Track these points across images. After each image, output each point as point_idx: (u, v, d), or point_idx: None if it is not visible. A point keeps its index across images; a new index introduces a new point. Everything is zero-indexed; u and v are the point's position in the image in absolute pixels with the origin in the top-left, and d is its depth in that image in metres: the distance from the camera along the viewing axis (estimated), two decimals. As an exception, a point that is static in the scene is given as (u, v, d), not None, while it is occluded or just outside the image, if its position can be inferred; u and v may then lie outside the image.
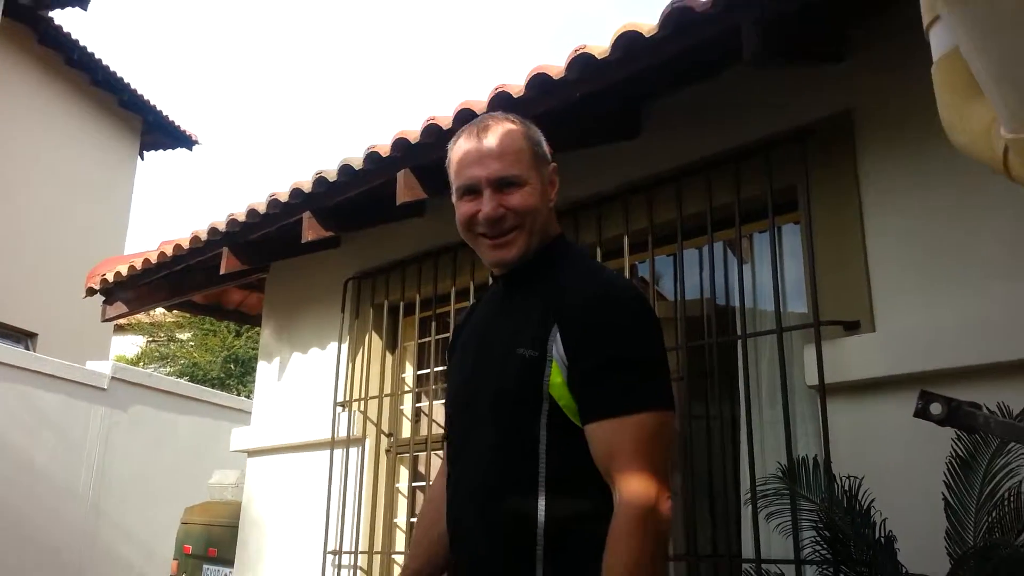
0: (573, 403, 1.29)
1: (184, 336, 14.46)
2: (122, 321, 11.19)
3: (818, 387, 2.22)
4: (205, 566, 5.36)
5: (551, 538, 1.26)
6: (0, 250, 8.78)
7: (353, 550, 3.54)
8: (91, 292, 4.63)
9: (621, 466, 1.22)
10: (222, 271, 3.78)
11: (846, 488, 1.77)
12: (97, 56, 9.75)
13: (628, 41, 2.27)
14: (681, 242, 2.67)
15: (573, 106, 2.51)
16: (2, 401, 6.11)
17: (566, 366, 1.29)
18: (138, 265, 4.20)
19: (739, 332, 2.53)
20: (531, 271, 1.44)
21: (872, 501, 1.77)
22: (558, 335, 1.30)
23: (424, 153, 2.91)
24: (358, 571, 3.52)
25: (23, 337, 8.90)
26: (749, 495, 2.14)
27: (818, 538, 1.77)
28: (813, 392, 2.31)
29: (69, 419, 6.63)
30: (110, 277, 4.43)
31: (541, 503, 1.27)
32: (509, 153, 1.41)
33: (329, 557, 3.58)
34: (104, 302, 4.68)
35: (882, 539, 1.68)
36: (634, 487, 1.20)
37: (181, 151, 11.68)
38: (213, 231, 3.75)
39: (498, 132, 1.43)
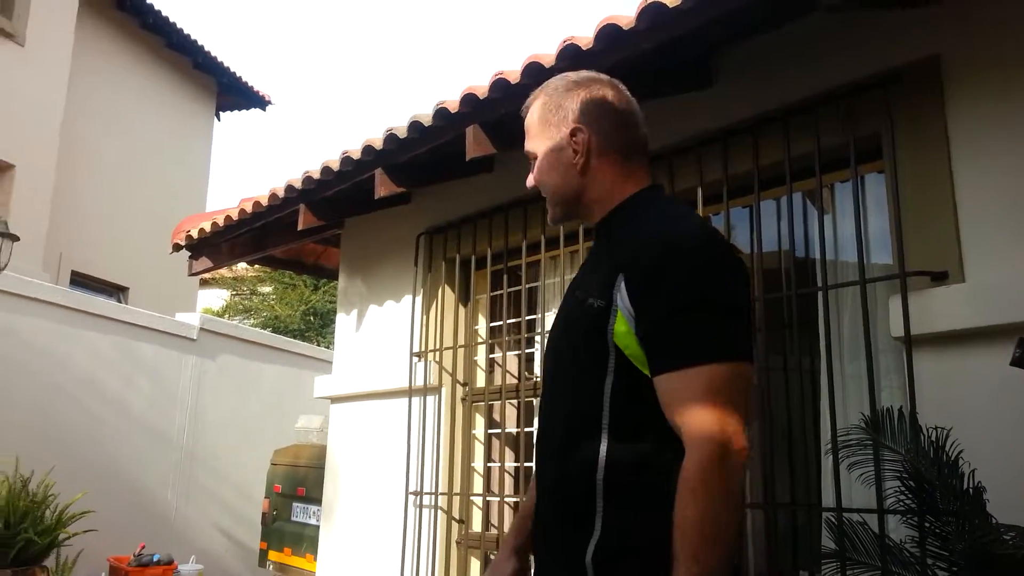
0: (640, 352, 1.26)
1: (265, 290, 14.99)
2: (206, 276, 11.67)
3: (903, 338, 2.17)
4: (294, 504, 5.66)
5: (610, 487, 1.25)
6: (90, 210, 9.24)
7: (433, 491, 3.68)
8: (177, 248, 4.83)
9: (688, 418, 1.19)
10: (300, 227, 3.89)
11: (932, 439, 1.75)
12: (172, 19, 9.99)
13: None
14: (758, 192, 2.62)
15: (643, 57, 2.46)
16: (99, 351, 6.49)
17: (632, 315, 1.27)
18: (220, 222, 4.35)
19: (820, 284, 2.48)
20: (610, 225, 1.44)
21: (960, 452, 1.74)
22: (623, 284, 1.29)
23: (492, 108, 2.91)
24: (438, 511, 3.66)
25: (115, 291, 9.39)
26: (830, 445, 2.13)
27: (902, 488, 1.75)
28: (897, 345, 2.26)
29: (162, 368, 7.02)
30: (194, 233, 4.61)
31: (603, 451, 1.26)
32: (527, 129, 1.53)
33: (411, 497, 3.74)
34: (190, 257, 4.88)
35: (970, 489, 1.66)
36: (702, 437, 1.17)
37: (255, 111, 11.96)
38: (290, 188, 3.85)
39: (528, 107, 1.55)
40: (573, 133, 1.44)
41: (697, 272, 1.26)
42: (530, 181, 1.53)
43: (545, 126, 1.48)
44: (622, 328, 1.28)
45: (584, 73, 1.51)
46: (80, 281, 8.76)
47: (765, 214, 2.75)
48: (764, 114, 2.61)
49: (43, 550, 4.95)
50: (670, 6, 2.27)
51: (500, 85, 2.82)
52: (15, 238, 4.71)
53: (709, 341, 1.21)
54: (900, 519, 1.97)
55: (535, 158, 1.51)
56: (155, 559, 5.72)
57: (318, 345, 11.32)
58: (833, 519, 2.04)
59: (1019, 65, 2.12)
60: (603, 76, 1.51)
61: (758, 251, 2.69)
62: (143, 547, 5.83)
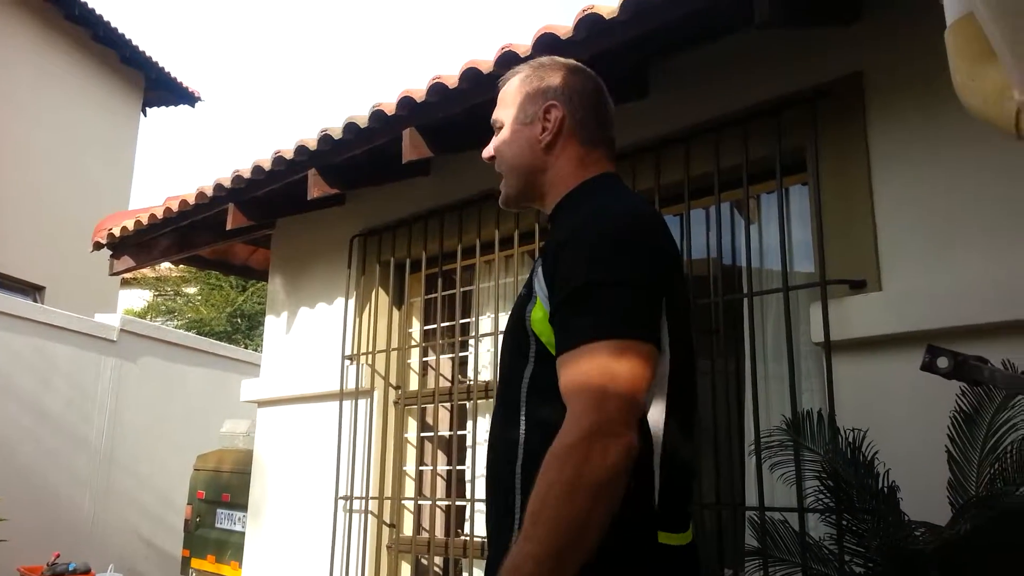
0: (553, 338, 1.22)
1: (190, 291, 14.56)
2: (128, 276, 11.24)
3: (823, 344, 2.26)
4: (219, 510, 5.51)
5: (528, 477, 1.20)
6: (7, 205, 8.79)
7: (364, 495, 3.64)
8: (98, 246, 4.66)
9: (569, 399, 1.13)
10: (228, 227, 3.80)
11: (850, 440, 1.82)
12: (98, 12, 9.62)
13: (637, 2, 2.25)
14: (688, 202, 2.69)
15: (581, 65, 2.50)
16: (14, 353, 6.19)
17: (548, 300, 1.25)
18: (144, 220, 4.21)
19: (745, 290, 2.56)
20: (555, 213, 1.42)
21: (876, 453, 1.82)
22: (540, 269, 1.29)
23: (430, 112, 2.91)
24: (368, 515, 3.62)
25: (31, 290, 8.96)
26: (753, 447, 2.20)
27: (821, 487, 1.82)
28: (818, 350, 2.35)
29: (80, 370, 6.74)
30: (116, 232, 4.45)
31: (521, 442, 1.24)
32: (503, 100, 1.48)
33: (341, 502, 3.69)
34: (111, 256, 4.70)
35: (885, 488, 1.73)
36: (572, 416, 1.11)
37: (184, 108, 11.60)
38: (219, 187, 3.76)
39: (508, 77, 1.50)
40: (547, 109, 1.41)
41: (593, 252, 1.20)
42: (488, 151, 1.49)
43: (521, 97, 1.44)
44: (539, 314, 1.26)
45: (575, 62, 1.49)
46: (-9, 279, 8.33)
47: (695, 223, 2.82)
48: (696, 125, 2.68)
49: (-54, 562, 4.69)
50: (606, 17, 2.32)
51: (438, 89, 2.82)
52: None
53: (595, 320, 1.15)
54: (820, 518, 2.05)
55: (498, 127, 1.47)
56: (71, 568, 5.49)
57: (245, 348, 11.06)
58: (756, 518, 2.11)
59: (937, 80, 2.23)
60: (592, 71, 1.49)
61: (688, 258, 2.76)
62: (58, 556, 5.59)
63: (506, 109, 1.46)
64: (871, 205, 2.29)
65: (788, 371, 2.33)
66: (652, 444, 1.19)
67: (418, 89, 2.90)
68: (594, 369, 1.11)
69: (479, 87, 2.66)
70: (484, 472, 1.43)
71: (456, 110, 2.83)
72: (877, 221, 2.27)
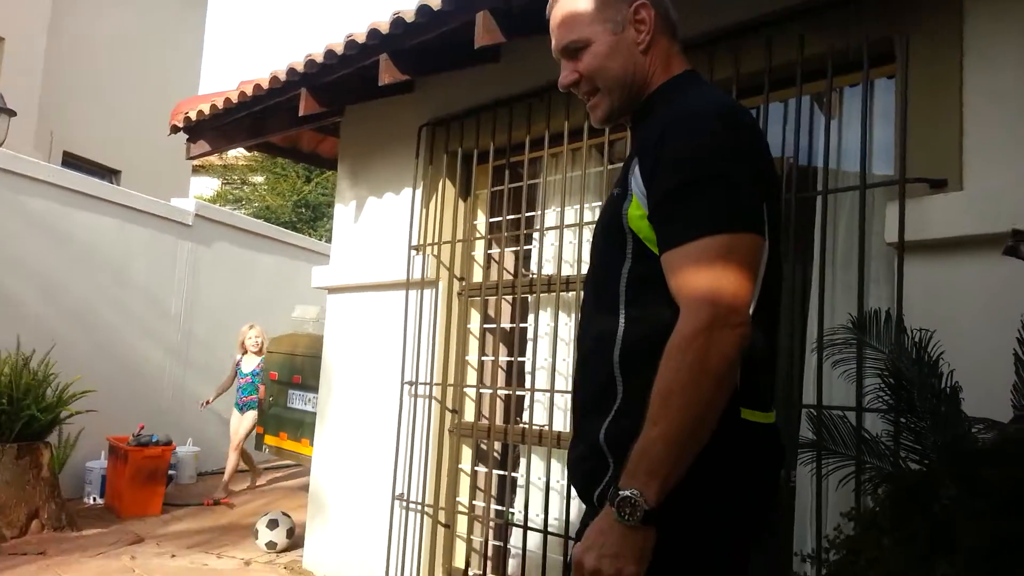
0: (653, 235, 1.26)
1: (257, 180, 14.86)
2: (197, 163, 11.53)
3: (897, 244, 2.21)
4: (290, 391, 5.83)
5: (626, 370, 1.28)
6: (80, 91, 9.03)
7: (428, 381, 3.79)
8: (175, 130, 4.76)
9: (683, 291, 1.18)
10: (301, 112, 3.83)
11: (916, 340, 1.81)
12: None
13: None
14: (768, 94, 2.59)
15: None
16: (97, 232, 6.50)
17: (645, 197, 1.27)
18: (219, 104, 4.28)
19: (820, 188, 2.50)
20: (640, 116, 1.42)
21: (941, 353, 1.80)
22: (636, 168, 1.30)
23: (505, -5, 2.83)
24: (432, 401, 3.78)
25: (108, 174, 9.30)
26: (816, 344, 2.20)
27: (882, 386, 1.82)
28: (889, 253, 2.30)
29: (158, 252, 7.05)
30: (193, 116, 4.54)
31: (619, 336, 1.29)
32: (568, 18, 1.43)
33: (406, 387, 3.85)
34: (188, 140, 4.82)
35: (947, 389, 1.73)
36: (689, 307, 1.16)
37: (249, -10, 11.50)
38: (291, 71, 3.77)
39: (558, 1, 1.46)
40: (637, 10, 1.39)
41: (694, 149, 1.23)
42: (569, 77, 1.44)
43: (600, 7, 1.39)
44: (636, 212, 1.29)
45: None
46: (72, 162, 8.66)
47: (772, 118, 2.73)
48: (778, 11, 2.56)
49: (46, 427, 5.11)
50: None
51: (512, -30, 2.73)
52: (12, 113, 4.63)
53: (704, 214, 1.19)
54: (878, 417, 2.06)
55: (582, 46, 1.41)
56: (153, 439, 5.91)
57: (309, 237, 11.35)
58: (813, 413, 2.13)
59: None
60: None
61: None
62: (142, 428, 6.01)
63: (585, 26, 1.41)
64: (959, 100, 2.17)
65: (858, 270, 2.30)
66: None
67: (492, -30, 2.82)
68: (706, 263, 1.16)
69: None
70: (574, 366, 1.49)
71: (530, -6, 2.75)
72: (965, 118, 2.16)
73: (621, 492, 1.13)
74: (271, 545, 4.74)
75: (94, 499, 6.07)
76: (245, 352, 6.50)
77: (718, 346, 1.13)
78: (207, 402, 6.55)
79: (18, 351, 5.23)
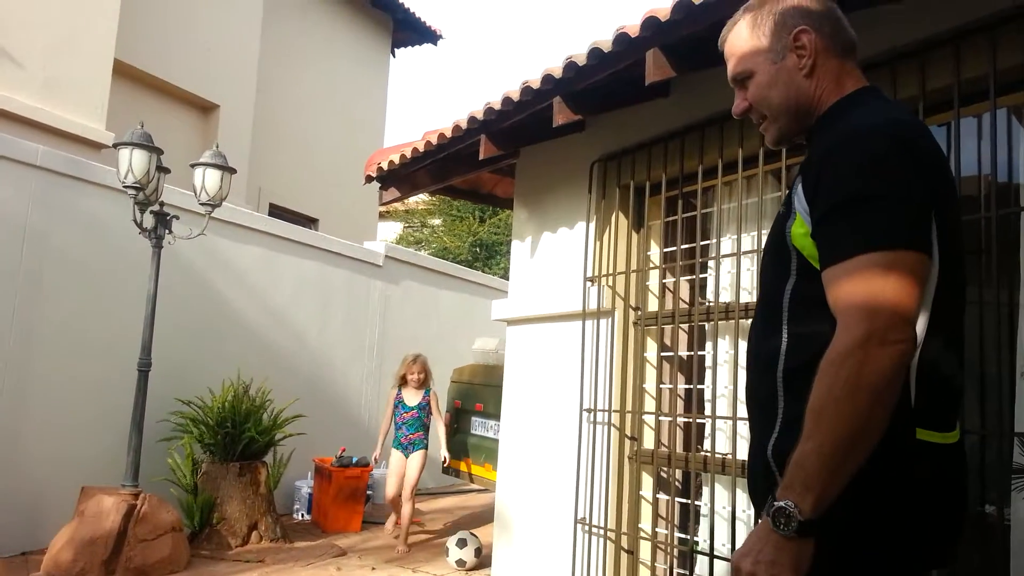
0: (816, 252, 1.27)
1: (435, 222, 15.73)
2: (381, 209, 12.39)
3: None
4: (473, 418, 6.11)
5: (790, 384, 1.29)
6: (284, 146, 10.06)
7: (607, 408, 3.87)
8: (369, 179, 5.23)
9: (837, 309, 1.19)
10: (481, 156, 4.10)
11: None
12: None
13: None
14: (958, 109, 2.49)
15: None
16: (301, 275, 7.21)
17: (808, 215, 1.29)
18: (408, 154, 4.66)
19: (1023, 203, 2.35)
20: (815, 130, 1.44)
21: None
22: (800, 187, 1.32)
23: (674, 31, 2.90)
24: (611, 428, 3.86)
25: (307, 223, 10.23)
26: (1026, 368, 2.06)
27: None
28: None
29: (353, 291, 7.68)
30: (384, 165, 4.96)
31: (783, 350, 1.31)
32: (735, 51, 1.49)
33: (585, 415, 3.96)
34: (380, 188, 5.27)
35: None
36: (846, 323, 1.16)
37: (427, 46, 12.34)
38: (472, 120, 4.05)
39: (729, 31, 1.51)
40: (796, 37, 1.41)
41: (857, 166, 1.23)
42: (740, 106, 1.50)
43: (760, 39, 1.44)
44: (800, 230, 1.31)
45: None
46: (276, 213, 9.64)
47: (964, 134, 2.61)
48: (967, 24, 2.46)
49: (263, 448, 5.70)
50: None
51: (683, 6, 2.81)
52: (233, 171, 5.27)
53: (865, 230, 1.18)
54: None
55: (747, 77, 1.48)
56: (354, 461, 6.41)
57: (485, 274, 11.83)
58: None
59: None
60: None
61: (956, 173, 2.57)
62: (344, 450, 6.53)
63: (747, 59, 1.47)
64: None
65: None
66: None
67: (662, 8, 2.91)
68: (864, 279, 1.16)
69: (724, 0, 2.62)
70: (744, 386, 1.51)
71: (700, 26, 2.82)
72: None
73: (777, 503, 1.15)
74: (460, 563, 4.98)
75: (302, 515, 6.66)
76: (404, 384, 5.98)
77: (874, 362, 1.12)
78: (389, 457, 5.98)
79: (239, 380, 5.89)
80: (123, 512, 4.57)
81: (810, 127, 1.44)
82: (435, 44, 12.21)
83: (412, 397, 5.93)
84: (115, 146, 4.94)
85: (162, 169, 5.04)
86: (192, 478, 5.44)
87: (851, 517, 1.16)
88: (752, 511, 3.11)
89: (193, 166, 5.22)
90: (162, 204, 5.12)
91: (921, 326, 1.22)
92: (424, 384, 6.00)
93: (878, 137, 1.24)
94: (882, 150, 1.23)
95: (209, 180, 5.16)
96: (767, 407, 1.33)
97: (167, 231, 5.08)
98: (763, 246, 1.54)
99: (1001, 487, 2.29)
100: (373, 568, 4.93)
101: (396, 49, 12.20)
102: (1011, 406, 2.37)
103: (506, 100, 3.79)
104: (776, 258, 1.38)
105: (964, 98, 2.49)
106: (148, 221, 5.05)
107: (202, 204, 5.20)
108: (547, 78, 3.50)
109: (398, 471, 5.79)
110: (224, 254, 6.51)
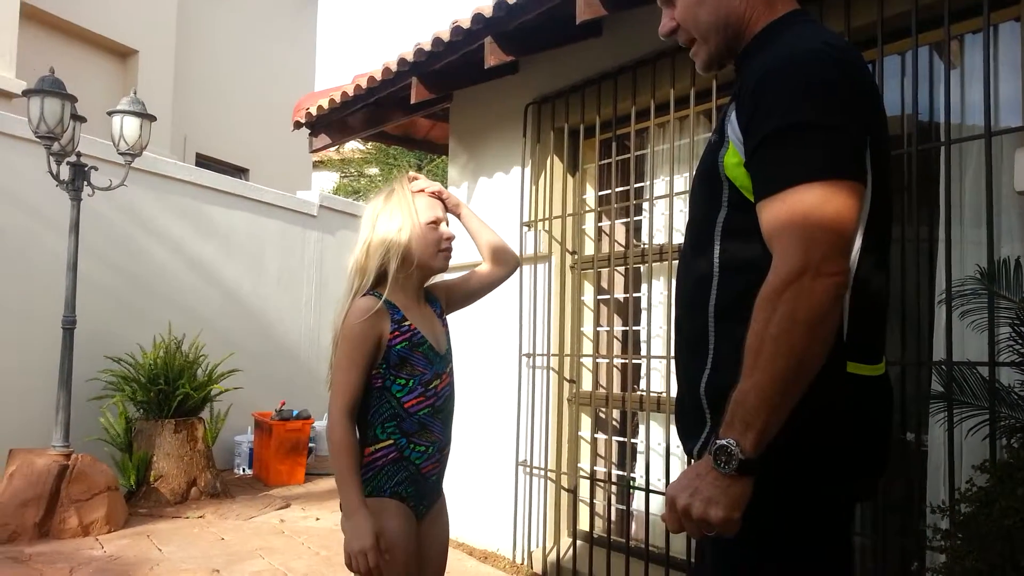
0: (749, 183, 1.22)
1: (372, 171, 15.42)
2: (315, 159, 12.07)
3: (1028, 192, 2.12)
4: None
5: (721, 320, 1.27)
6: (208, 92, 9.64)
7: (546, 352, 3.91)
8: (298, 125, 5.07)
9: (775, 241, 1.15)
10: (412, 100, 4.01)
11: (1049, 288, 1.75)
12: None
13: None
14: (882, 47, 2.52)
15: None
16: (232, 227, 6.99)
17: (742, 145, 1.23)
18: (337, 98, 4.52)
19: (943, 139, 2.42)
20: (743, 60, 1.38)
21: (1077, 301, 1.74)
22: (733, 114, 1.27)
23: (606, -33, 2.87)
24: (550, 371, 3.90)
25: (237, 172, 9.90)
26: (944, 296, 2.14)
27: (1014, 336, 1.78)
28: (1019, 203, 2.21)
29: (288, 242, 7.51)
30: (313, 111, 4.81)
31: (714, 285, 1.28)
32: None
33: (524, 359, 3.99)
34: (310, 135, 5.11)
35: (1084, 336, 1.67)
36: (780, 258, 1.13)
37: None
38: (402, 61, 3.94)
39: None
40: None
41: (791, 93, 1.18)
42: (667, 26, 1.43)
43: None
44: (732, 159, 1.26)
45: None
46: (204, 163, 9.28)
47: (887, 71, 2.65)
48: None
49: (198, 404, 5.59)
50: None
51: (612, -56, 2.77)
52: (152, 118, 5.02)
53: (801, 161, 1.14)
54: (1011, 370, 2.00)
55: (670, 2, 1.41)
56: (294, 414, 6.35)
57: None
58: (943, 368, 2.08)
59: None
60: None
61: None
62: (284, 404, 6.46)
63: None
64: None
65: (986, 220, 2.22)
66: None
67: (592, -54, 2.86)
68: (800, 210, 1.12)
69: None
70: (675, 317, 1.47)
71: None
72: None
73: (719, 441, 1.13)
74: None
75: (243, 470, 6.60)
76: None
77: (810, 295, 1.10)
78: None
79: (170, 336, 5.74)
80: (55, 473, 4.45)
81: (740, 51, 1.38)
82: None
83: None
84: (25, 94, 4.66)
85: (77, 118, 4.78)
86: (126, 436, 5.32)
87: (783, 454, 1.15)
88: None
89: (110, 114, 4.97)
90: (79, 155, 4.87)
91: (854, 257, 1.20)
92: None
93: (815, 63, 1.19)
94: (818, 76, 1.18)
95: (128, 128, 4.93)
96: (698, 343, 1.31)
97: (85, 183, 4.85)
98: (694, 174, 1.47)
99: (920, 415, 2.41)
100: (317, 518, 4.93)
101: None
102: (929, 338, 2.47)
103: (436, 40, 3.69)
104: (707, 188, 1.33)
105: (887, 35, 2.52)
106: (65, 173, 4.81)
107: (121, 154, 4.97)
108: (477, 17, 3.42)
109: None
110: (149, 206, 6.26)
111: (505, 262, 2.13)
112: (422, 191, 1.93)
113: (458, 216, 1.99)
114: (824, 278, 1.10)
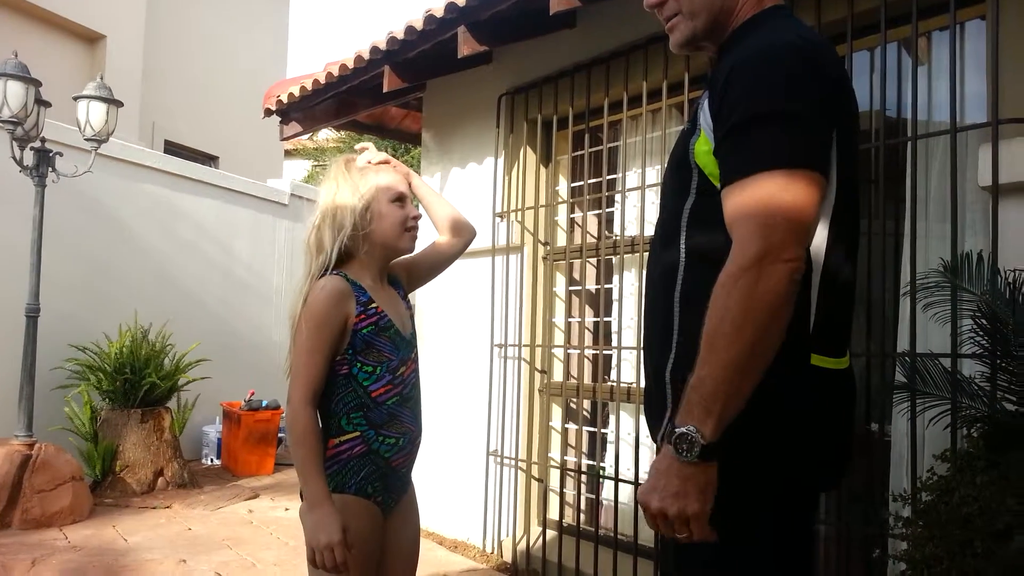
0: (718, 171, 1.23)
1: (344, 159, 15.27)
2: (289, 147, 11.94)
3: (991, 188, 2.16)
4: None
5: (687, 307, 1.26)
6: (177, 79, 9.48)
7: (517, 343, 3.91)
8: (268, 113, 5.00)
9: (732, 229, 1.16)
10: (385, 88, 3.98)
11: (1010, 281, 1.79)
12: None
13: None
14: (851, 43, 2.55)
15: None
16: (201, 215, 6.89)
17: (713, 133, 1.24)
18: (308, 86, 4.47)
19: (910, 134, 2.46)
20: (722, 51, 1.38)
21: (1036, 294, 1.78)
22: (706, 103, 1.28)
23: (580, -42, 2.87)
24: (521, 362, 3.91)
25: (207, 160, 9.76)
26: (908, 289, 2.18)
27: (976, 329, 1.81)
28: (984, 198, 2.25)
29: (258, 231, 7.42)
30: (284, 98, 4.75)
31: (680, 272, 1.29)
32: None
33: (496, 349, 3.99)
34: (280, 122, 5.05)
35: (1043, 328, 1.71)
36: (740, 243, 1.14)
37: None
38: (375, 50, 3.91)
39: None
40: None
41: (760, 83, 1.19)
42: None
43: None
44: (703, 147, 1.27)
45: None
46: (173, 150, 9.13)
47: (857, 68, 2.69)
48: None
49: (165, 393, 5.51)
50: None
51: (586, -66, 2.76)
52: (119, 104, 4.93)
53: (764, 150, 1.16)
54: (973, 361, 2.05)
55: None
56: (263, 404, 6.29)
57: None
58: (907, 360, 2.12)
59: None
60: None
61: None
62: (252, 394, 6.39)
63: None
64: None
65: (951, 214, 2.26)
66: (812, 269, 1.21)
67: (567, -63, 2.85)
68: (760, 197, 1.13)
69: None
70: (644, 305, 1.47)
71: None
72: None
73: (678, 429, 1.13)
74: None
75: (211, 460, 6.52)
76: None
77: (767, 281, 1.10)
78: None
79: (136, 324, 5.65)
80: (17, 463, 4.38)
81: (723, 38, 1.38)
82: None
83: None
84: (-14, 77, 4.54)
85: (42, 103, 4.68)
86: (91, 426, 5.23)
87: (747, 446, 1.16)
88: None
89: (76, 99, 4.87)
90: (43, 140, 4.77)
91: (819, 243, 1.22)
92: None
93: (786, 56, 1.21)
94: (787, 69, 1.19)
95: (94, 114, 4.83)
96: (665, 328, 1.31)
97: (50, 168, 4.75)
98: (667, 162, 1.48)
99: (883, 405, 2.45)
100: (287, 508, 4.90)
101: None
102: (894, 330, 2.51)
103: (409, 29, 3.66)
104: (677, 175, 1.34)
105: (857, 31, 2.55)
106: (29, 158, 4.71)
107: (87, 140, 4.88)
108: (450, 6, 3.40)
109: None
110: (116, 193, 6.14)
111: (463, 231, 2.07)
112: (385, 162, 1.88)
113: (409, 185, 1.93)
114: (781, 264, 1.11)
